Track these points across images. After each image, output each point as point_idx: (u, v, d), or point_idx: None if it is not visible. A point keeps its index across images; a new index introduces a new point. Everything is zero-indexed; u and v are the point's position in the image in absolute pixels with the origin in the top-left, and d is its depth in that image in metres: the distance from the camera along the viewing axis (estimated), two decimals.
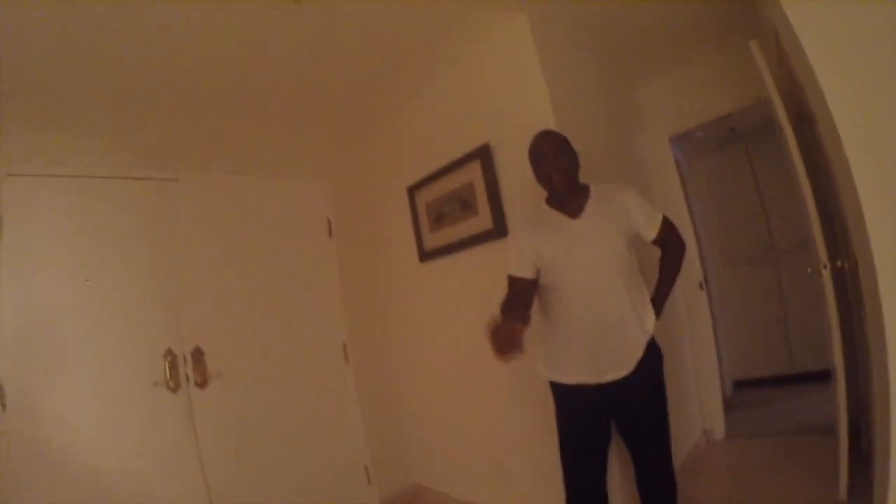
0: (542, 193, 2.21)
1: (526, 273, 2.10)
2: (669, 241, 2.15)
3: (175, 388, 3.02)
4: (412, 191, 3.53)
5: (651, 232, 2.09)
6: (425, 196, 3.42)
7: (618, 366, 1.99)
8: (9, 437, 2.60)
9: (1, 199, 2.70)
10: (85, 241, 2.92)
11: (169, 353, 3.04)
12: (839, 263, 2.17)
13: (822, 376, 3.61)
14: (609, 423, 2.13)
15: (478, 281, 3.07)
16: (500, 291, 2.21)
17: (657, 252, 2.21)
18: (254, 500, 3.20)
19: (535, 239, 2.08)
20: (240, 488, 3.17)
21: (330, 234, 3.81)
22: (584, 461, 2.12)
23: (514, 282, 2.14)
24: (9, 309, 2.67)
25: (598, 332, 1.98)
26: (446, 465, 3.64)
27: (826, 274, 2.20)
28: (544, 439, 2.38)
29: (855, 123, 1.50)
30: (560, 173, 2.03)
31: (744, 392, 4.73)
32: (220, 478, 3.09)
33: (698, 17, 3.07)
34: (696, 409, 3.72)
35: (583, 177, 2.17)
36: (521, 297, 2.08)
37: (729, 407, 4.00)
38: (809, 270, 2.36)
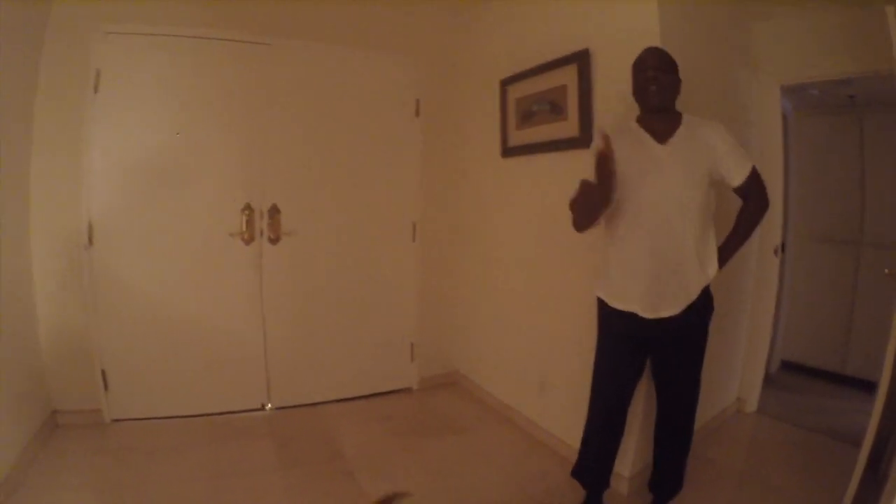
0: (634, 113, 2.14)
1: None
2: (753, 195, 2.05)
3: (249, 241, 3.28)
4: (504, 84, 3.46)
5: (737, 179, 1.99)
6: (516, 92, 3.36)
7: (669, 304, 1.98)
8: (93, 271, 2.98)
9: (101, 55, 2.90)
10: (177, 97, 3.10)
11: (248, 207, 3.27)
12: None
13: (870, 387, 3.46)
14: (645, 359, 2.16)
15: (555, 186, 3.03)
16: None
17: (738, 204, 2.11)
18: (303, 349, 3.51)
19: (617, 153, 1.99)
20: (292, 339, 3.48)
21: (417, 113, 3.83)
22: (613, 387, 2.17)
23: (583, 185, 2.09)
24: (102, 156, 2.95)
25: (658, 264, 1.96)
26: (487, 360, 3.78)
27: None
28: (583, 358, 2.43)
29: None
30: (658, 86, 1.97)
31: (789, 374, 4.58)
32: (277, 326, 3.40)
33: None
34: (736, 375, 3.66)
35: (680, 106, 2.08)
36: None
37: (769, 383, 3.90)
38: (887, 272, 2.20)
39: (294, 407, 3.43)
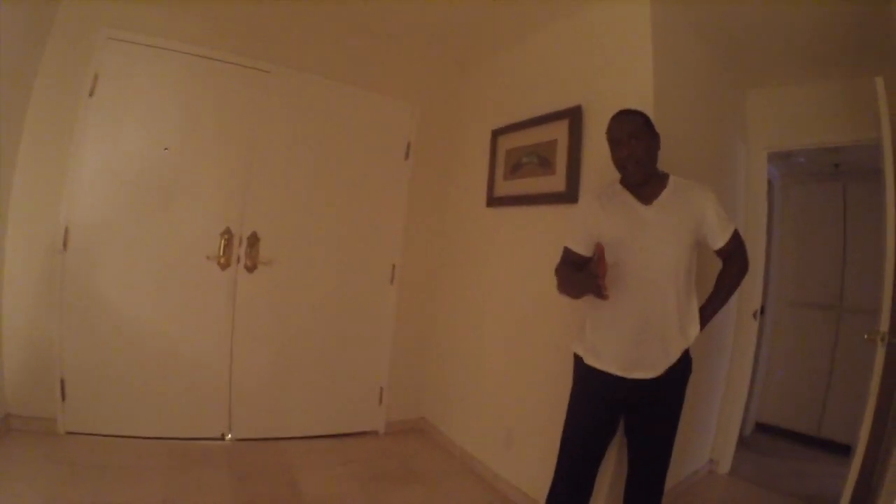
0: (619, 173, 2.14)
1: (582, 249, 2.10)
2: (734, 257, 2.07)
3: (225, 266, 3.23)
4: (496, 134, 3.50)
5: (719, 241, 2.00)
6: (507, 143, 3.39)
7: (648, 366, 1.95)
8: (64, 277, 2.90)
9: (100, 59, 2.90)
10: (170, 112, 3.09)
11: (227, 231, 3.22)
12: None
13: (845, 450, 3.45)
14: (619, 418, 2.12)
15: (538, 239, 3.05)
16: (555, 257, 2.22)
17: (717, 265, 2.12)
18: (269, 382, 3.42)
19: (602, 216, 2.04)
20: (259, 370, 3.39)
21: (407, 156, 3.85)
22: (583, 446, 2.12)
23: (568, 254, 2.14)
24: (90, 161, 2.91)
25: (641, 326, 1.94)
26: (455, 409, 3.71)
27: (881, 346, 2.06)
28: (553, 416, 2.38)
29: None
30: (634, 163, 1.96)
31: (763, 436, 4.56)
32: (244, 355, 3.32)
33: (829, 38, 2.81)
34: (710, 436, 3.63)
35: (667, 167, 2.09)
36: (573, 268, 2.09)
37: (743, 445, 3.89)
38: (866, 337, 2.20)
39: (255, 440, 3.32)
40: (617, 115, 2.06)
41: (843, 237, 4.49)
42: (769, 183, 3.78)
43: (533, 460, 2.84)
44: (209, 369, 3.24)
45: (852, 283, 4.43)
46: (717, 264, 2.13)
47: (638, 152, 1.96)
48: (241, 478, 2.84)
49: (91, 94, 2.88)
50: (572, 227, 2.14)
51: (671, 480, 2.17)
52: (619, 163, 2.02)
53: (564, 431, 2.17)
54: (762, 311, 3.78)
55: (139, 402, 3.07)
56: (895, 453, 1.64)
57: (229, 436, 3.28)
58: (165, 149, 3.06)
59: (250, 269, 3.28)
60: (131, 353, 3.05)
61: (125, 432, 3.03)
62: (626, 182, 2.08)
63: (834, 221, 4.55)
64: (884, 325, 2.09)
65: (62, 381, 2.91)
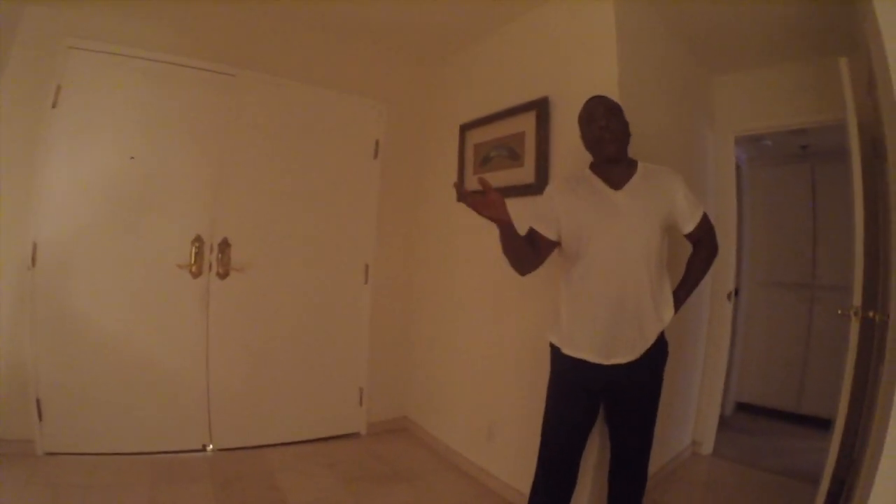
0: (587, 162, 2.14)
1: (547, 231, 2.07)
2: (704, 240, 2.10)
3: (197, 274, 3.17)
4: (464, 129, 3.49)
5: (689, 225, 2.02)
6: (475, 137, 3.39)
7: (625, 350, 1.95)
8: (35, 294, 2.83)
9: (62, 70, 2.84)
10: (137, 121, 3.03)
11: (198, 239, 3.17)
12: (871, 314, 2.05)
13: (824, 425, 3.50)
14: (598, 406, 2.11)
15: None
16: None
17: (688, 249, 2.15)
18: (248, 389, 3.37)
19: (571, 201, 2.03)
20: (237, 378, 3.34)
21: (375, 155, 3.83)
22: (564, 436, 2.11)
23: (531, 234, 2.11)
24: (56, 175, 2.84)
25: (614, 311, 1.94)
26: (436, 406, 3.71)
27: (855, 321, 2.08)
28: (533, 407, 2.39)
29: None
30: (612, 135, 1.97)
31: (743, 415, 4.64)
32: (221, 364, 3.27)
33: (793, 21, 2.84)
34: (691, 418, 3.67)
35: (635, 155, 2.10)
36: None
37: (724, 426, 3.93)
38: (840, 312, 2.24)
39: (237, 449, 3.28)
40: (592, 98, 2.07)
41: (813, 217, 4.57)
42: (738, 167, 3.83)
43: (516, 452, 2.84)
44: (186, 380, 3.19)
45: (824, 260, 4.52)
46: (688, 248, 2.15)
47: (613, 125, 1.97)
48: (225, 487, 2.79)
49: (54, 106, 2.81)
50: (538, 209, 2.12)
51: (655, 464, 2.18)
52: (595, 137, 2.00)
53: (544, 422, 2.17)
54: (736, 292, 3.82)
55: (118, 417, 3.01)
56: (875, 424, 1.66)
57: (211, 446, 3.23)
58: (131, 158, 3.00)
59: (222, 276, 3.23)
60: (107, 368, 2.98)
61: (105, 450, 2.96)
62: (595, 167, 2.08)
63: (803, 202, 4.63)
64: (856, 300, 2.12)
65: (38, 401, 2.84)
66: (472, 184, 3.38)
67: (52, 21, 2.80)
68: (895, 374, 1.40)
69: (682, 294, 2.10)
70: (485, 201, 1.81)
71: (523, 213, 2.85)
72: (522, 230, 2.09)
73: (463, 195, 1.77)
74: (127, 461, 2.93)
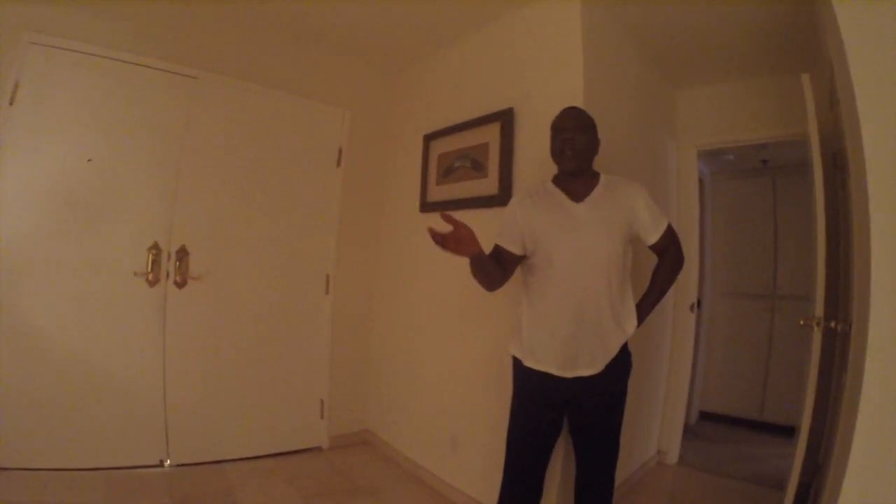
0: (550, 174, 2.15)
1: (512, 246, 2.07)
2: (669, 251, 2.10)
3: (153, 283, 3.06)
4: (428, 139, 3.48)
5: (652, 237, 2.02)
6: (439, 147, 3.37)
7: (587, 363, 1.95)
8: None
9: (21, 66, 2.72)
10: (96, 121, 2.92)
11: (155, 246, 3.06)
12: (833, 324, 2.08)
13: (787, 432, 3.58)
14: (562, 418, 2.10)
15: None
16: None
17: (653, 261, 2.15)
18: (206, 402, 3.26)
19: (533, 213, 2.03)
20: (195, 391, 3.23)
21: (339, 163, 3.78)
22: (528, 448, 2.10)
23: (498, 251, 2.10)
24: (8, 175, 2.71)
25: (574, 324, 1.93)
26: (399, 419, 3.65)
27: (817, 331, 2.12)
28: (497, 420, 2.37)
29: (889, 187, 1.39)
30: (573, 151, 1.98)
31: (708, 424, 4.72)
32: (178, 376, 3.15)
33: (758, 36, 2.92)
34: (656, 428, 3.71)
35: (599, 165, 2.11)
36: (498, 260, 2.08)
37: (689, 434, 4.00)
38: (802, 322, 2.27)
39: (195, 464, 3.15)
40: (568, 108, 2.08)
41: (774, 229, 4.71)
42: (700, 180, 3.91)
43: (480, 465, 2.82)
44: (142, 392, 3.06)
45: (785, 272, 4.66)
46: (653, 259, 2.15)
47: (578, 140, 1.98)
48: None
49: (11, 103, 2.68)
50: (502, 225, 2.12)
51: (622, 474, 2.18)
52: (558, 148, 2.01)
53: (509, 434, 2.15)
54: (699, 303, 3.88)
55: (72, 431, 2.86)
56: (840, 430, 1.68)
57: (168, 462, 3.10)
58: (89, 160, 2.88)
59: (180, 284, 3.12)
60: (60, 380, 2.84)
61: (60, 465, 2.81)
62: (558, 180, 2.09)
63: (764, 214, 4.77)
64: (818, 311, 2.15)
65: None
66: (434, 195, 3.38)
67: (12, 15, 2.68)
68: (859, 381, 1.42)
69: (645, 306, 2.09)
70: (456, 237, 1.78)
71: (487, 225, 2.88)
72: (487, 246, 2.08)
73: (439, 240, 1.74)
74: (81, 477, 2.79)
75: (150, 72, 3.04)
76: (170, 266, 3.10)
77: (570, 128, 1.99)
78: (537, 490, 2.14)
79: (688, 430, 3.97)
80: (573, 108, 2.07)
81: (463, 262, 3.02)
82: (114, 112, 2.96)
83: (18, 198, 2.73)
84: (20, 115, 2.71)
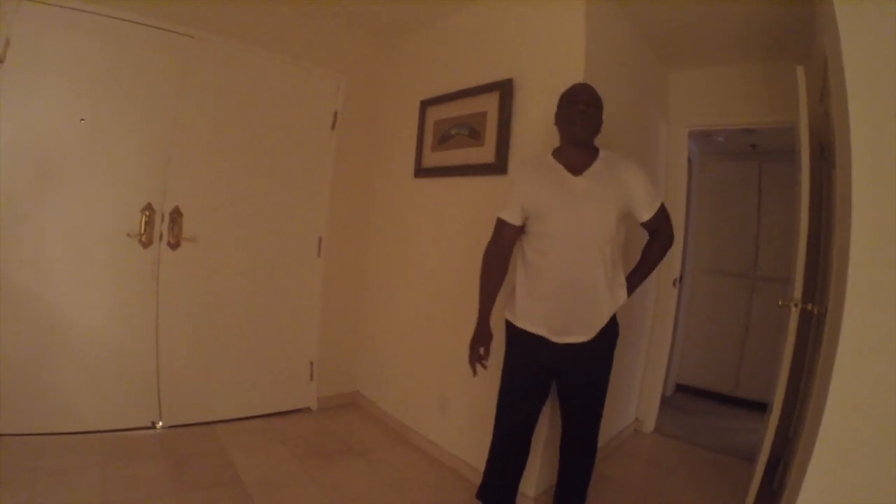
0: (548, 145, 2.21)
1: (515, 220, 2.14)
2: (660, 229, 2.16)
3: (147, 244, 3.05)
4: (425, 105, 3.48)
5: (646, 214, 2.08)
6: (436, 114, 3.38)
7: (579, 330, 2.03)
8: None
9: (12, 22, 2.63)
10: (89, 80, 2.85)
11: (148, 207, 3.04)
12: (810, 306, 2.17)
13: (760, 407, 3.72)
14: (550, 381, 2.20)
15: (466, 210, 3.10)
16: (485, 226, 2.27)
17: (643, 237, 2.22)
18: (197, 364, 3.30)
19: (533, 185, 2.09)
20: (187, 350, 3.26)
21: (333, 126, 3.76)
22: (519, 409, 2.20)
23: (502, 226, 2.17)
24: (1, 134, 2.64)
25: (569, 292, 2.01)
26: (388, 381, 3.73)
27: (794, 312, 2.21)
28: (487, 382, 2.45)
29: (871, 180, 1.46)
30: (588, 122, 2.04)
31: (683, 396, 4.91)
32: (170, 337, 3.17)
33: (753, 23, 2.95)
34: (634, 397, 3.86)
35: (595, 143, 2.15)
36: (504, 255, 2.21)
37: (665, 405, 4.14)
38: (780, 303, 2.37)
39: (187, 426, 3.21)
40: (582, 83, 2.15)
41: (758, 212, 4.82)
42: (689, 159, 3.97)
43: (469, 427, 2.91)
44: (135, 354, 3.07)
45: (765, 253, 4.79)
46: (644, 235, 2.22)
47: (592, 113, 2.04)
48: (178, 465, 2.74)
49: (2, 61, 2.60)
50: (507, 199, 2.17)
51: (600, 440, 2.28)
52: (573, 118, 2.05)
53: (500, 397, 2.25)
54: (680, 279, 3.98)
55: (66, 395, 2.88)
56: (811, 406, 1.79)
57: (160, 423, 3.14)
58: (81, 119, 2.81)
59: (173, 246, 3.12)
60: (52, 343, 2.83)
61: (55, 429, 2.83)
62: (558, 153, 2.14)
63: (749, 197, 4.88)
64: (797, 293, 2.23)
65: None
66: (429, 161, 3.41)
67: None
68: (831, 361, 1.50)
69: (635, 279, 2.18)
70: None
71: (483, 192, 2.93)
72: (488, 215, 2.14)
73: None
74: (75, 440, 2.82)
75: (144, 30, 2.94)
76: (163, 227, 3.08)
77: (584, 101, 2.04)
78: (525, 450, 2.25)
79: (664, 402, 4.12)
80: (587, 84, 2.13)
81: (454, 229, 3.16)
82: (108, 71, 2.88)
83: (9, 156, 2.67)
84: (11, 74, 2.63)
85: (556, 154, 2.15)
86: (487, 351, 2.23)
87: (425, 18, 3.55)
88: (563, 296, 2.02)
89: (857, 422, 1.45)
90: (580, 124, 2.03)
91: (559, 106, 2.14)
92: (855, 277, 1.46)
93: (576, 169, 2.06)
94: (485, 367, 2.23)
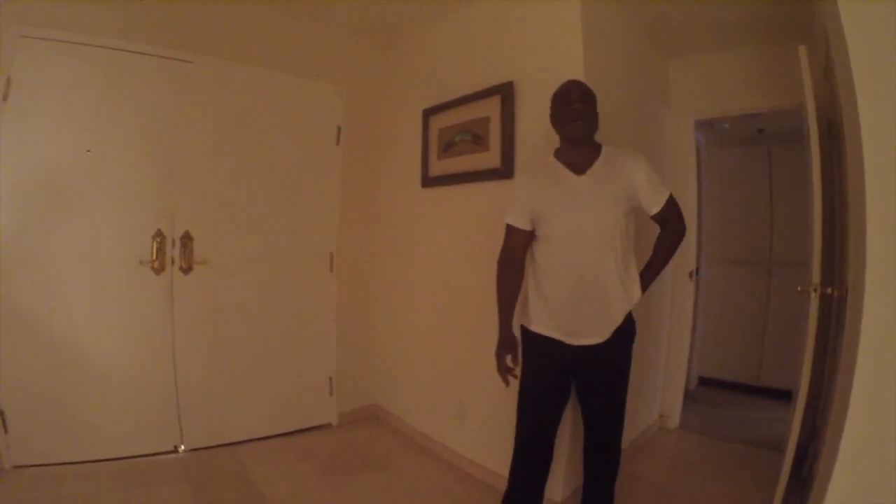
0: (552, 146, 2.17)
1: (523, 224, 2.11)
2: (670, 221, 2.12)
3: (159, 270, 3.07)
4: (427, 114, 3.47)
5: (654, 207, 2.04)
6: (439, 122, 3.37)
7: (593, 332, 2.00)
8: None
9: (12, 60, 2.67)
10: (92, 111, 2.89)
11: (159, 234, 3.07)
12: (830, 290, 2.13)
13: (784, 396, 3.66)
14: (570, 384, 2.16)
15: (475, 216, 3.08)
16: (495, 232, 2.26)
17: (656, 231, 2.18)
18: (217, 386, 3.30)
19: (536, 188, 2.07)
20: (205, 376, 3.26)
21: (338, 141, 3.78)
22: (539, 414, 2.17)
23: (511, 232, 2.15)
24: (7, 171, 2.68)
25: (580, 293, 1.98)
26: (407, 392, 3.72)
27: (815, 297, 2.15)
28: (505, 388, 2.41)
29: (883, 155, 1.42)
30: (583, 120, 2.00)
31: (707, 389, 4.83)
32: (188, 362, 3.18)
33: (751, 6, 2.91)
34: (657, 393, 3.81)
35: (598, 137, 2.13)
36: (516, 261, 2.17)
37: (689, 399, 4.09)
38: (799, 289, 2.32)
39: (209, 448, 3.21)
40: (571, 80, 2.11)
41: (770, 197, 4.75)
42: (697, 149, 3.93)
43: (490, 433, 2.88)
44: (154, 380, 3.09)
45: (780, 238, 4.72)
46: (655, 229, 2.17)
47: (584, 109, 2.00)
48: (201, 487, 2.74)
49: (5, 99, 2.65)
50: (512, 204, 2.15)
51: (625, 438, 2.25)
52: (568, 118, 2.02)
53: (519, 403, 2.21)
54: (697, 271, 3.93)
55: (85, 424, 2.90)
56: (837, 393, 1.74)
57: (182, 447, 3.15)
58: (88, 151, 2.85)
59: (186, 270, 3.14)
60: (71, 373, 2.86)
61: (76, 458, 2.85)
62: (559, 153, 2.12)
63: (760, 182, 4.81)
64: (815, 278, 2.18)
65: (2, 413, 2.70)
66: (435, 169, 3.40)
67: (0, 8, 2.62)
68: (855, 345, 1.46)
69: (649, 275, 2.13)
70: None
71: (490, 198, 2.91)
72: (494, 219, 2.11)
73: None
74: (97, 468, 2.83)
75: (144, 58, 2.98)
76: (174, 252, 3.11)
77: (577, 99, 2.01)
78: (548, 455, 2.21)
79: (688, 396, 4.06)
80: (578, 82, 2.09)
81: (465, 236, 3.14)
82: (110, 101, 2.92)
83: (19, 191, 2.71)
84: (15, 111, 2.67)
85: (558, 154, 2.12)
86: (516, 358, 2.19)
87: (422, 18, 3.52)
88: (571, 297, 2.00)
89: (886, 407, 1.40)
90: (578, 125, 2.00)
91: (552, 107, 2.11)
92: (873, 255, 1.41)
93: (578, 168, 2.03)
94: (515, 376, 2.19)
